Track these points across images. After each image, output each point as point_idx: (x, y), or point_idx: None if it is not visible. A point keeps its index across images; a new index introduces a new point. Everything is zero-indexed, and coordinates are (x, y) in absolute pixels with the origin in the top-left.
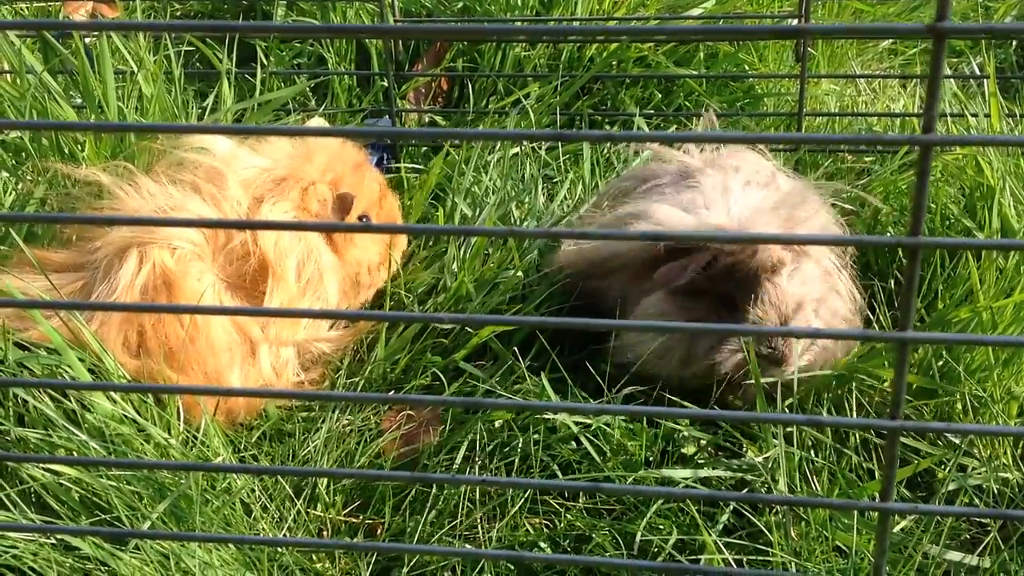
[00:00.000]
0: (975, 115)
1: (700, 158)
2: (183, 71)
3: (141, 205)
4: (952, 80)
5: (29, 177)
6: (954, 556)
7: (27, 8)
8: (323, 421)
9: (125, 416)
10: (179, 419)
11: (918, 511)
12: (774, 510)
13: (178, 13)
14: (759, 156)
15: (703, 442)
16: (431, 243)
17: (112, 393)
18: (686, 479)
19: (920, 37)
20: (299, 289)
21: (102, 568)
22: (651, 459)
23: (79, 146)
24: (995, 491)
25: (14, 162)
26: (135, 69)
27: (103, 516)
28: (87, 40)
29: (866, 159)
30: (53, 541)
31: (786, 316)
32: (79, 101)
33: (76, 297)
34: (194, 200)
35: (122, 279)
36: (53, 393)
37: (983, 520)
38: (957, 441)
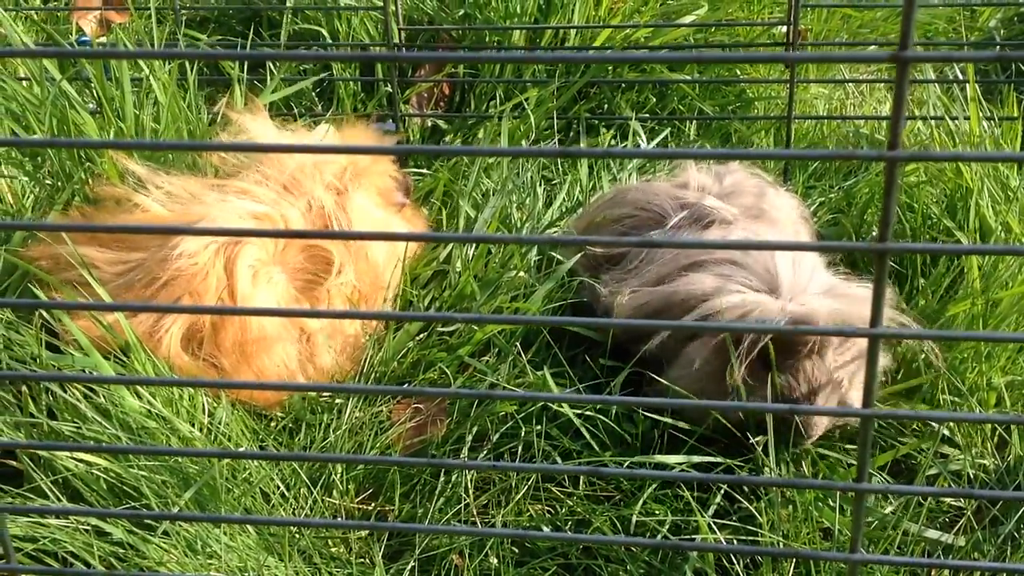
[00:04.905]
0: (955, 118)
1: (697, 178)
2: (196, 78)
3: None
4: (936, 84)
5: (48, 181)
6: (932, 534)
7: (36, 15)
8: (339, 413)
9: (150, 411)
10: (204, 412)
11: (890, 491)
12: (764, 492)
13: (184, 17)
14: (748, 172)
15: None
16: (435, 244)
17: (140, 390)
18: (680, 464)
19: (886, 62)
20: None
21: (133, 552)
22: (648, 447)
23: (97, 151)
24: (970, 476)
25: (31, 166)
26: (149, 77)
27: (132, 504)
28: (101, 41)
29: (853, 161)
30: (87, 527)
31: (815, 391)
32: (92, 105)
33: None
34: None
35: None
36: (83, 389)
37: (960, 504)
38: (936, 427)
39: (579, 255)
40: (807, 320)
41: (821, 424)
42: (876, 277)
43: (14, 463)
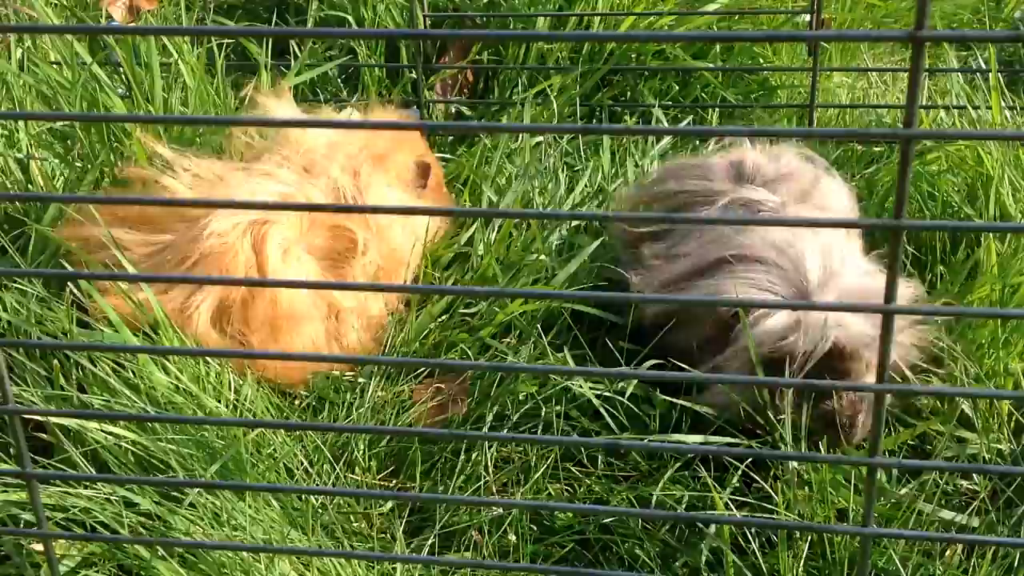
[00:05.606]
0: (976, 108)
1: (752, 157)
2: (224, 63)
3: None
4: (959, 74)
5: (78, 163)
6: (947, 515)
7: (66, 2)
8: (362, 392)
9: (178, 386)
10: (230, 389)
11: (902, 465)
12: (781, 472)
13: (212, 4)
14: (802, 157)
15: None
16: (459, 227)
17: (169, 366)
18: (698, 444)
19: (901, 42)
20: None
21: (160, 523)
22: (666, 429)
23: (125, 134)
24: (986, 459)
25: (61, 148)
26: (177, 62)
27: (160, 476)
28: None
29: (875, 148)
30: (115, 498)
31: (861, 410)
32: (121, 90)
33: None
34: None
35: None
36: (112, 364)
37: (975, 486)
38: (959, 401)
39: (619, 232)
40: (850, 346)
41: (863, 427)
42: (891, 253)
43: (44, 435)
